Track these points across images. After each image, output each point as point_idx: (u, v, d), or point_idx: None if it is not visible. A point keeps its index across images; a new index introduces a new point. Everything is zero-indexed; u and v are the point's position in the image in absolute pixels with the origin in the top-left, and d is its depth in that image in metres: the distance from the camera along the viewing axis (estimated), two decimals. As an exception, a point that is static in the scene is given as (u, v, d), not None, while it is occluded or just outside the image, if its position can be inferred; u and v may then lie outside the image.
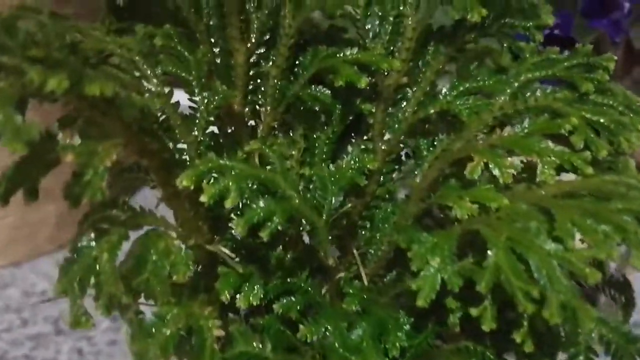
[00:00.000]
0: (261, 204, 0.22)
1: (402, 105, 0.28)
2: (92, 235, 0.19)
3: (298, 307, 0.24)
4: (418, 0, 0.27)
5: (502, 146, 0.23)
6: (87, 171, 0.17)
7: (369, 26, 0.28)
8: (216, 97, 0.25)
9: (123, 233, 0.19)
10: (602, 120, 0.22)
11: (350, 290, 0.25)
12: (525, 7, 0.26)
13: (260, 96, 0.28)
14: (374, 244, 0.29)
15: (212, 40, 0.28)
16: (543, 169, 0.21)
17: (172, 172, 0.22)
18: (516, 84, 0.24)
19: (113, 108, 0.18)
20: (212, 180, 0.21)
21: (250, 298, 0.23)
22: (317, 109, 0.28)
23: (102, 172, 0.17)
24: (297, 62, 0.28)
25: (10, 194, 0.17)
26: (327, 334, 0.22)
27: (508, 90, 0.24)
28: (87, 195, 0.17)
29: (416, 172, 0.27)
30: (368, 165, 0.27)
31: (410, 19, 0.27)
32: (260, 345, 0.22)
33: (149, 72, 0.24)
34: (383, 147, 0.28)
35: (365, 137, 0.29)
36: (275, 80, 0.28)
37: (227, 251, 0.25)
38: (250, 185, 0.22)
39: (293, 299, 0.25)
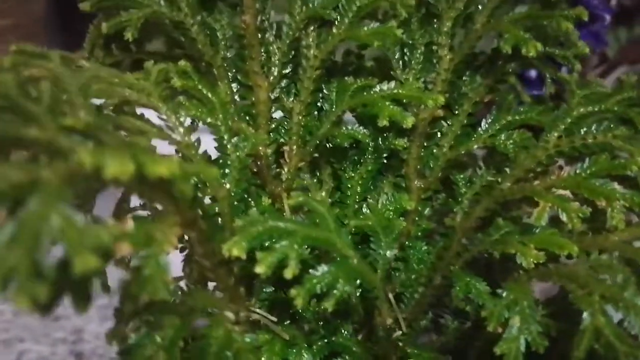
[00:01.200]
0: (322, 269, 0.19)
1: (439, 140, 0.26)
2: (143, 328, 0.16)
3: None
4: (453, 28, 0.25)
5: (565, 188, 0.22)
6: (147, 263, 0.14)
7: (397, 55, 0.26)
8: (246, 143, 0.22)
9: (179, 326, 0.16)
10: (664, 159, 0.21)
11: (415, 351, 0.23)
12: (560, 35, 0.25)
13: (284, 134, 0.26)
14: (410, 286, 0.27)
15: (230, 74, 0.25)
16: (613, 213, 0.20)
17: (212, 240, 0.19)
18: (569, 119, 0.23)
19: (167, 184, 0.15)
20: (266, 247, 0.19)
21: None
22: (347, 145, 0.25)
23: (165, 265, 0.14)
24: (321, 95, 0.26)
25: (54, 300, 0.14)
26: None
27: (561, 126, 0.23)
28: (149, 292, 0.14)
29: (455, 210, 0.26)
30: (406, 206, 0.25)
31: (445, 48, 0.25)
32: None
33: (173, 119, 0.21)
34: (419, 185, 0.26)
35: (397, 174, 0.27)
36: (300, 117, 0.26)
37: (269, 316, 0.22)
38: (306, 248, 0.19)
39: (342, 360, 0.23)
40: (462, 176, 0.26)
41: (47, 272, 0.12)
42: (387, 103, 0.23)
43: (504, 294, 0.20)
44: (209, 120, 0.22)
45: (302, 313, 0.24)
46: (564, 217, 0.21)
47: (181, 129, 0.21)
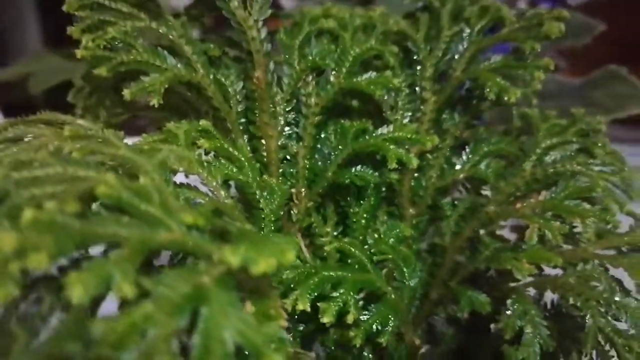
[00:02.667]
0: (373, 310, 0.22)
1: (427, 172, 0.29)
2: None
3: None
4: (434, 74, 0.28)
5: (545, 210, 0.26)
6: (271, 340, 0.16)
7: (386, 97, 0.29)
8: (275, 196, 0.24)
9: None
10: (615, 180, 0.26)
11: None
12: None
13: (291, 178, 0.27)
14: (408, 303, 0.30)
15: (242, 127, 0.26)
16: (587, 228, 0.25)
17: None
18: (538, 150, 0.27)
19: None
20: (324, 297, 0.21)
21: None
22: (347, 183, 0.28)
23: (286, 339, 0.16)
24: (319, 137, 0.28)
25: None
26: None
27: (533, 156, 0.27)
28: None
29: (444, 231, 0.30)
30: (405, 233, 0.28)
31: (430, 92, 0.28)
32: None
33: (214, 183, 0.22)
34: (411, 212, 0.29)
35: (391, 204, 0.30)
36: (305, 161, 0.27)
37: (309, 354, 0.24)
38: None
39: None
40: (447, 200, 0.30)
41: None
42: (392, 146, 0.26)
43: (514, 307, 0.24)
44: (240, 177, 0.23)
45: (325, 343, 0.26)
46: (548, 234, 0.25)
47: (222, 192, 0.22)
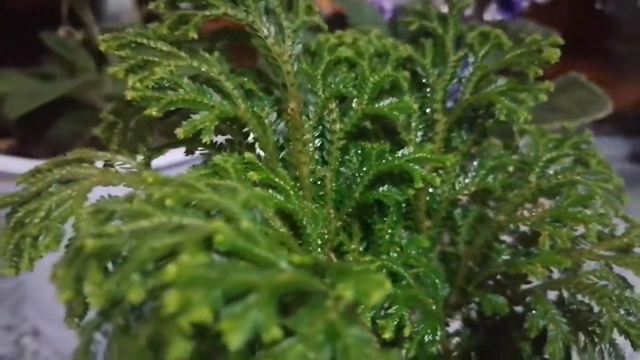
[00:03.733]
0: (417, 319, 0.24)
1: (440, 187, 0.32)
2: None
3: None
4: (444, 96, 0.31)
5: (552, 217, 0.29)
6: None
7: (401, 119, 0.31)
8: (319, 222, 0.25)
9: None
10: (609, 187, 0.30)
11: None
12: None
13: (319, 200, 0.29)
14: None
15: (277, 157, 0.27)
16: (590, 232, 0.28)
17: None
18: (541, 163, 0.30)
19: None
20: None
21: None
22: (373, 202, 0.30)
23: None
24: (341, 160, 0.29)
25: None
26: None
27: (537, 169, 0.30)
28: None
29: (457, 240, 0.32)
30: (424, 244, 0.31)
31: (441, 113, 0.31)
32: None
33: (266, 215, 0.23)
34: (428, 225, 0.32)
35: (408, 217, 0.32)
36: (332, 184, 0.29)
37: None
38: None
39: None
40: (457, 211, 0.32)
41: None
42: (416, 167, 0.28)
43: (537, 308, 0.27)
44: (288, 205, 0.24)
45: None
46: (558, 240, 0.28)
47: (277, 222, 0.23)
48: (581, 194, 0.29)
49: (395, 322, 0.22)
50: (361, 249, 0.30)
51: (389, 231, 0.30)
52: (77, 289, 0.15)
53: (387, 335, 0.22)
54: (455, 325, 0.32)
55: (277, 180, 0.25)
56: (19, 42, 0.60)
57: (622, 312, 0.25)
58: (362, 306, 0.18)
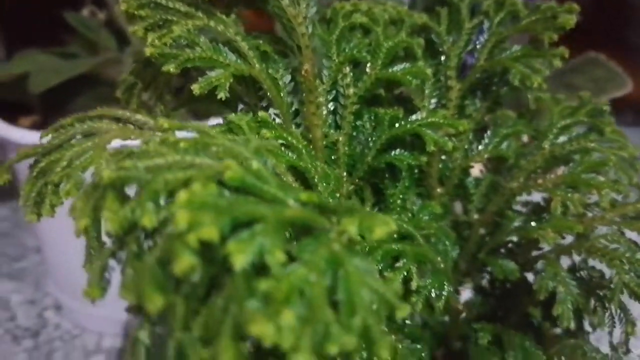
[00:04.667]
0: (427, 280, 0.24)
1: (452, 154, 0.32)
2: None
3: None
4: (458, 63, 0.31)
5: (565, 183, 0.29)
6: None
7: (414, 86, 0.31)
8: (332, 181, 0.26)
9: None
10: (625, 155, 0.30)
11: (477, 326, 0.29)
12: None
13: (332, 164, 0.29)
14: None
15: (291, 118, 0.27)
16: (603, 198, 0.28)
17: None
18: (555, 130, 0.30)
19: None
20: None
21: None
22: (384, 167, 0.30)
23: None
24: (354, 125, 0.30)
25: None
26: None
27: (551, 136, 0.30)
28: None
29: (469, 208, 0.32)
30: (435, 211, 0.31)
31: (454, 80, 0.31)
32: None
33: (279, 170, 0.23)
34: (440, 192, 0.32)
35: (420, 185, 0.32)
36: (345, 148, 0.29)
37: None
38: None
39: None
40: (470, 179, 0.32)
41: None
42: (429, 131, 0.28)
43: (545, 271, 0.27)
44: (300, 163, 0.25)
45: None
46: (570, 206, 0.28)
47: (290, 178, 0.24)
48: (595, 160, 0.29)
49: (402, 275, 0.22)
50: (373, 214, 0.30)
51: (401, 196, 0.30)
52: (94, 218, 0.15)
53: (394, 286, 0.22)
54: (466, 295, 0.33)
55: (290, 139, 0.25)
56: (43, 22, 0.62)
57: (633, 274, 0.25)
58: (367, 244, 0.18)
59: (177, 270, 0.13)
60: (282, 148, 0.25)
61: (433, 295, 0.23)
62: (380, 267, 0.23)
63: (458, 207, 0.34)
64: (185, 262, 0.13)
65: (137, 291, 0.13)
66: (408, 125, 0.28)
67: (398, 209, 0.30)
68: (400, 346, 0.25)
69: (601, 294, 0.27)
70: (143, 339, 0.15)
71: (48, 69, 0.52)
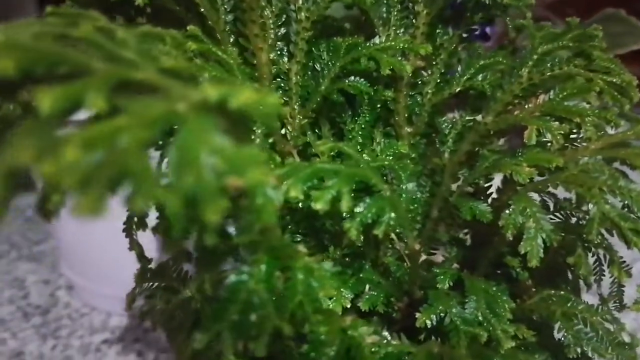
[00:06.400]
0: (367, 202, 0.21)
1: (422, 89, 0.29)
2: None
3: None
4: (426, -14, 0.28)
5: (544, 112, 0.25)
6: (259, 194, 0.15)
7: (377, 13, 0.28)
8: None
9: (269, 261, 0.17)
10: (615, 81, 0.26)
11: (438, 270, 0.25)
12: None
13: (283, 94, 0.27)
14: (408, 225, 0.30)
15: (231, 39, 0.25)
16: (587, 127, 0.25)
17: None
18: (535, 57, 0.27)
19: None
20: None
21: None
22: (342, 100, 0.27)
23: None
24: (310, 54, 0.27)
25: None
26: (442, 315, 0.23)
27: (530, 63, 0.27)
28: (264, 219, 0.15)
29: (442, 150, 0.29)
30: (401, 150, 0.28)
31: (422, 4, 0.28)
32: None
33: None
34: (408, 131, 0.29)
35: (387, 124, 0.29)
36: (297, 77, 0.27)
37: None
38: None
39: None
40: (444, 119, 0.29)
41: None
42: (385, 55, 0.25)
43: (514, 205, 0.23)
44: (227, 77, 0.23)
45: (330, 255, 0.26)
46: (548, 136, 0.25)
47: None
48: (578, 85, 0.25)
49: (331, 195, 0.20)
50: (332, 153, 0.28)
51: (360, 132, 0.27)
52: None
53: (319, 206, 0.19)
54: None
55: (220, 54, 0.23)
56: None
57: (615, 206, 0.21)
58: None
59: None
60: (211, 63, 0.23)
61: (369, 221, 0.21)
62: (307, 187, 0.20)
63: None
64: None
65: None
66: (364, 51, 0.26)
67: (358, 146, 0.27)
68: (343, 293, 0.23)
69: (582, 231, 0.23)
70: None
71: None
